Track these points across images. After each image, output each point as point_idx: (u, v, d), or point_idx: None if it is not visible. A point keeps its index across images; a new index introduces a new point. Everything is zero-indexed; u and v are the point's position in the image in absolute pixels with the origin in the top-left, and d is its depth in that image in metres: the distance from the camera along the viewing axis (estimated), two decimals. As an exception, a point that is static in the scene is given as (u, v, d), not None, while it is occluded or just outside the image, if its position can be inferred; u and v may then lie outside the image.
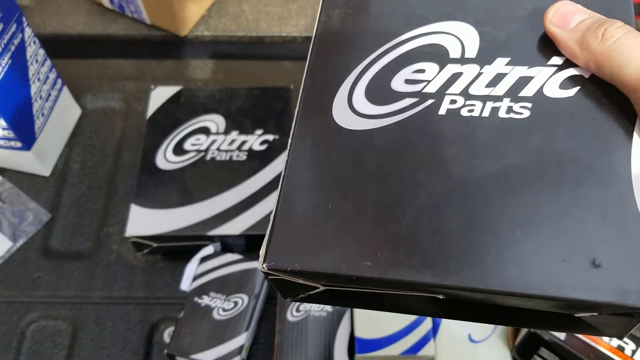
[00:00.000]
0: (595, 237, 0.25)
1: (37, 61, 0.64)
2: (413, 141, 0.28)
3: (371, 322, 0.54)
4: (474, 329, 0.55)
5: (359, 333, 0.54)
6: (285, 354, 0.54)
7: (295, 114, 0.30)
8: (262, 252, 0.27)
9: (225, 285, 0.58)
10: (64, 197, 0.69)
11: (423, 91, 0.30)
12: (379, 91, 0.30)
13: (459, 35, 0.31)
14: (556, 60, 0.29)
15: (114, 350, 0.59)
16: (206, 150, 0.65)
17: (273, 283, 0.28)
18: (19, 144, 0.64)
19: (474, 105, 0.29)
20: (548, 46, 0.30)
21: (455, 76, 0.30)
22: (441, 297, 0.26)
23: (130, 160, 0.71)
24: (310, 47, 0.32)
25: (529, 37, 0.30)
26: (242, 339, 0.55)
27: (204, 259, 0.60)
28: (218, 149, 0.65)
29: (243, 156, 0.65)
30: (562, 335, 0.51)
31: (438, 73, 0.30)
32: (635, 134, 0.27)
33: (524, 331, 0.53)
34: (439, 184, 0.27)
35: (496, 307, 0.26)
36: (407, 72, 0.31)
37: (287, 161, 0.29)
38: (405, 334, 0.54)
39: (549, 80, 0.29)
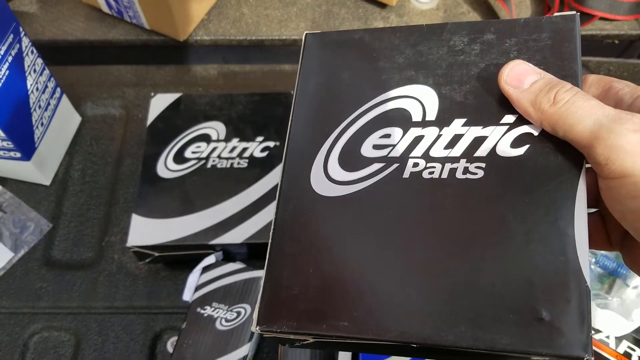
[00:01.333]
0: (540, 294, 0.27)
1: (35, 71, 0.63)
2: (381, 205, 0.31)
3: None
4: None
5: (363, 343, 0.54)
6: (288, 364, 0.53)
7: (279, 181, 0.33)
8: (255, 315, 0.30)
9: (228, 295, 0.57)
10: (65, 206, 0.68)
11: (389, 156, 0.32)
12: (351, 158, 0.32)
13: (421, 98, 0.33)
14: (508, 118, 0.31)
15: (117, 361, 0.59)
16: (207, 158, 0.65)
17: (270, 337, 0.30)
18: (18, 154, 0.64)
19: (434, 167, 0.31)
20: (501, 105, 0.31)
21: (418, 139, 0.32)
22: (414, 345, 0.28)
23: (130, 168, 0.70)
24: (290, 115, 0.34)
25: (483, 96, 0.32)
26: (245, 350, 0.54)
27: (205, 269, 0.59)
28: (219, 157, 0.65)
29: (244, 163, 0.64)
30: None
31: (402, 137, 0.32)
32: (578, 192, 0.28)
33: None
34: (399, 246, 0.29)
35: (461, 352, 0.28)
36: (374, 138, 0.33)
37: (273, 229, 0.32)
38: (410, 343, 0.53)
39: (501, 140, 0.30)
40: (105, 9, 0.79)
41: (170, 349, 0.59)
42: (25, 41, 0.61)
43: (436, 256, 0.29)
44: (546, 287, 0.27)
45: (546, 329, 0.26)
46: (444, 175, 0.30)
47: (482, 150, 0.30)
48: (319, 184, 0.32)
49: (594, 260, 0.57)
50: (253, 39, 0.79)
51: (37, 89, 0.64)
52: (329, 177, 0.32)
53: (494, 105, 0.31)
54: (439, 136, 0.31)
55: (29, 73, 0.62)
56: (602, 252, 0.58)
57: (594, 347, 0.51)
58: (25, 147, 0.64)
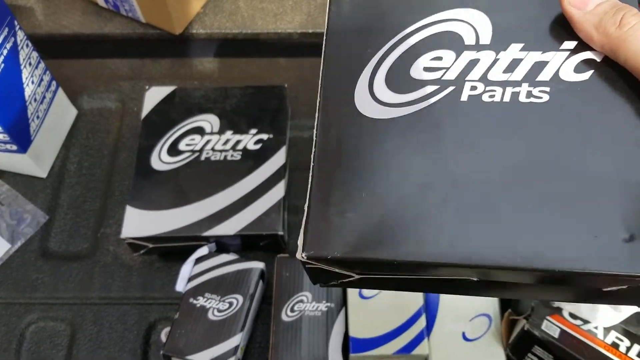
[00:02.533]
0: (623, 213, 0.26)
1: (30, 64, 0.64)
2: (439, 128, 0.29)
3: (365, 322, 0.55)
4: (467, 328, 0.55)
5: (354, 332, 0.54)
6: (280, 354, 0.54)
7: (317, 104, 0.30)
8: (299, 241, 0.27)
9: (220, 286, 0.58)
10: (61, 199, 0.69)
11: (443, 78, 0.30)
12: (400, 79, 0.30)
13: (472, 22, 0.32)
14: (568, 44, 0.30)
15: (112, 350, 0.60)
16: (201, 151, 0.65)
17: (308, 271, 0.28)
18: (14, 147, 0.64)
19: (494, 91, 0.30)
20: (559, 30, 0.30)
21: (473, 63, 0.30)
22: (475, 279, 0.26)
23: (126, 160, 0.71)
24: (324, 38, 0.32)
25: (539, 21, 0.31)
26: (237, 340, 0.55)
27: (198, 260, 0.60)
28: (212, 149, 0.65)
29: (237, 156, 0.65)
30: (555, 334, 0.52)
31: (455, 60, 0.31)
32: None
33: (517, 329, 0.53)
34: (467, 169, 0.28)
35: (528, 284, 0.27)
36: (425, 60, 0.31)
37: (314, 153, 0.29)
38: (399, 333, 0.54)
39: (564, 64, 0.30)
40: (101, 2, 0.79)
41: (164, 338, 0.60)
42: (20, 35, 0.62)
43: (506, 180, 0.27)
44: (630, 207, 0.26)
45: (633, 248, 0.25)
46: (506, 98, 0.29)
47: (545, 75, 0.30)
48: (366, 106, 0.30)
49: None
50: (248, 32, 0.80)
51: (32, 82, 0.65)
52: (375, 99, 0.30)
53: (552, 30, 0.30)
54: (496, 60, 0.30)
55: (25, 66, 0.63)
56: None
57: (582, 338, 0.52)
58: (21, 139, 0.64)
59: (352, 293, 0.56)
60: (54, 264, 0.65)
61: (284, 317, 0.56)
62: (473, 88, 0.30)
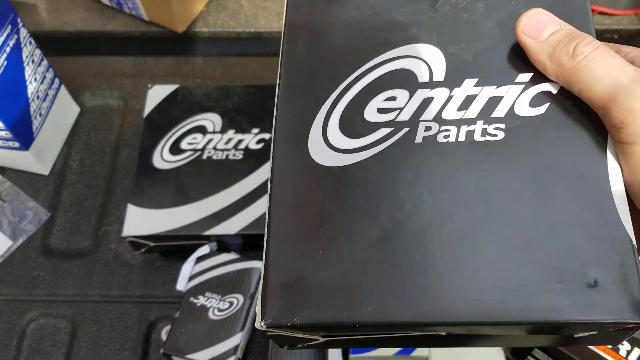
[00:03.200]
0: (586, 257, 0.25)
1: (33, 61, 0.64)
2: (394, 173, 0.28)
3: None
4: (467, 329, 0.55)
5: (353, 333, 0.54)
6: (280, 354, 0.54)
7: (272, 153, 0.29)
8: (257, 309, 0.26)
9: (221, 285, 0.58)
10: (63, 196, 0.69)
11: (397, 120, 0.29)
12: (353, 123, 0.29)
13: (425, 58, 0.30)
14: (523, 77, 0.29)
15: (112, 348, 0.60)
16: (202, 150, 0.65)
17: (271, 338, 0.27)
18: (17, 144, 0.64)
19: (449, 130, 0.28)
20: (514, 63, 0.29)
21: (427, 101, 0.29)
22: (444, 333, 0.25)
23: (128, 158, 0.71)
24: (277, 83, 0.31)
25: (493, 54, 0.30)
26: (237, 339, 0.55)
27: (199, 259, 0.60)
28: (214, 148, 0.65)
29: (239, 155, 0.65)
30: (555, 336, 0.51)
31: (409, 99, 0.29)
32: (608, 150, 0.27)
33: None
34: (425, 217, 0.26)
35: (498, 335, 0.26)
36: (378, 101, 0.30)
37: (269, 207, 0.28)
38: (399, 334, 0.54)
39: (519, 98, 0.29)
40: (104, 0, 0.79)
41: (164, 337, 0.60)
42: (24, 32, 0.62)
43: (466, 226, 0.26)
44: (593, 250, 0.25)
45: (599, 294, 0.24)
46: (461, 138, 0.28)
47: (500, 111, 0.28)
48: (320, 154, 0.29)
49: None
50: (251, 31, 0.80)
51: (35, 79, 0.65)
52: (330, 146, 0.29)
53: (507, 63, 0.29)
54: (450, 97, 0.29)
55: (27, 63, 0.63)
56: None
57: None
58: (24, 136, 0.64)
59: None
60: (55, 262, 0.65)
61: (284, 317, 0.56)
62: (427, 128, 0.29)
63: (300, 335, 0.26)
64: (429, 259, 0.26)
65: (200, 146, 0.66)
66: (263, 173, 0.64)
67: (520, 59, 0.29)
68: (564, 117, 0.28)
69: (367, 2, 0.32)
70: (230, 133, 0.66)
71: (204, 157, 0.65)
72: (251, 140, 0.66)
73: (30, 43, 0.63)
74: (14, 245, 0.66)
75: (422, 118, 0.29)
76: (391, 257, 0.26)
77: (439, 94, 0.29)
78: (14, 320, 0.62)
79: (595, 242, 0.25)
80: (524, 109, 0.28)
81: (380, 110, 0.29)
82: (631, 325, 0.24)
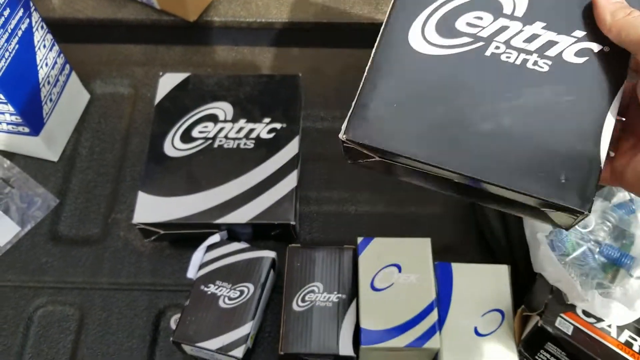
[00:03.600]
0: (566, 164, 0.36)
1: (44, 46, 0.64)
2: (463, 71, 0.39)
3: (377, 314, 0.54)
4: (480, 323, 0.55)
5: (365, 324, 0.54)
6: (290, 343, 0.54)
7: (378, 37, 0.40)
8: (343, 126, 0.38)
9: (232, 274, 0.58)
10: (73, 183, 0.69)
11: (477, 34, 0.40)
12: (446, 27, 0.40)
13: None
14: (578, 33, 0.39)
15: (120, 336, 0.60)
16: (214, 138, 0.65)
17: (344, 148, 0.39)
18: (26, 130, 0.64)
19: (511, 54, 0.39)
20: (576, 21, 0.39)
21: (503, 28, 0.40)
22: (456, 180, 0.37)
23: (138, 146, 0.71)
24: None
25: (567, 8, 0.40)
26: (247, 328, 0.55)
27: (210, 247, 0.60)
28: (226, 137, 0.65)
29: (250, 144, 0.64)
30: (569, 331, 0.51)
31: (491, 23, 0.40)
32: (615, 98, 0.38)
33: (531, 326, 0.52)
34: (473, 107, 0.38)
35: (496, 196, 0.38)
36: (469, 17, 0.40)
37: (369, 66, 0.39)
38: (411, 326, 0.54)
39: (568, 48, 0.39)
40: (116, -13, 0.79)
41: (173, 325, 0.60)
42: (35, 16, 0.62)
43: (495, 118, 0.38)
44: (573, 161, 0.36)
45: (565, 188, 0.36)
46: (518, 62, 0.39)
47: (552, 52, 0.39)
48: (416, 43, 0.40)
49: (597, 250, 0.57)
50: (263, 21, 0.79)
51: (46, 64, 0.64)
52: (425, 39, 0.40)
53: (571, 20, 0.40)
54: (520, 31, 0.40)
55: (39, 48, 0.63)
56: (606, 241, 0.58)
57: (595, 336, 0.52)
58: (34, 122, 0.64)
59: (363, 285, 0.56)
60: (64, 248, 0.65)
61: (294, 307, 0.55)
62: (497, 47, 0.39)
63: (364, 152, 0.38)
64: (461, 133, 0.37)
65: (211, 135, 0.65)
66: (274, 162, 0.63)
67: (581, 19, 0.39)
68: (594, 70, 0.38)
69: None
70: (242, 122, 0.66)
71: (215, 145, 0.64)
72: (262, 129, 0.65)
73: (42, 27, 0.63)
74: (22, 232, 0.65)
75: (495, 39, 0.40)
76: (438, 126, 0.38)
77: (514, 26, 0.40)
78: (22, 307, 0.61)
79: (576, 156, 0.37)
80: (569, 56, 0.39)
81: (469, 24, 0.40)
82: (579, 212, 0.36)
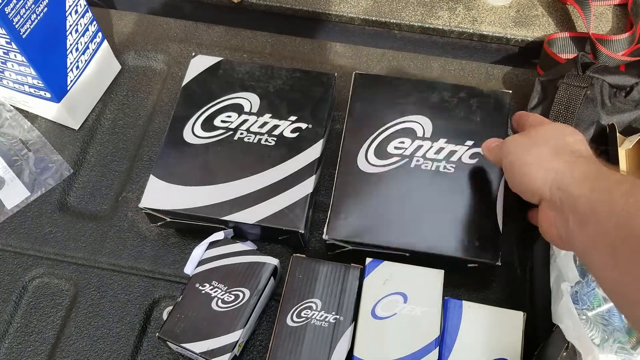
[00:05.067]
0: (476, 230, 0.56)
1: (76, 12, 0.62)
2: (398, 181, 0.59)
3: (373, 343, 0.51)
4: (482, 370, 0.51)
5: (359, 353, 0.50)
6: (278, 359, 0.51)
7: (338, 163, 0.60)
8: (325, 229, 0.56)
9: (229, 276, 0.55)
10: (90, 154, 0.67)
11: (403, 154, 0.60)
12: (381, 152, 0.60)
13: (422, 123, 0.61)
14: (469, 142, 0.60)
15: (110, 320, 0.58)
16: (235, 130, 0.62)
17: (326, 245, 0.58)
18: (48, 95, 0.62)
19: (428, 163, 0.59)
20: (466, 135, 0.60)
21: (419, 147, 0.60)
22: (407, 254, 0.56)
23: (160, 126, 0.68)
24: (344, 124, 0.62)
25: (456, 127, 0.61)
26: (236, 335, 0.52)
27: (212, 244, 0.57)
28: (248, 130, 0.62)
29: (272, 141, 0.61)
30: None
31: (410, 144, 0.60)
32: (500, 185, 0.58)
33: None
34: (405, 205, 0.57)
35: (430, 258, 0.55)
36: (395, 142, 0.61)
37: (335, 186, 0.58)
38: (408, 362, 0.50)
39: (465, 153, 0.60)
40: (163, -42, 0.77)
41: (165, 317, 0.58)
42: (70, -20, 0.60)
43: (427, 208, 0.57)
44: (479, 227, 0.56)
45: (479, 248, 0.55)
46: (433, 168, 0.59)
47: (454, 157, 0.60)
48: (362, 165, 0.59)
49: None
50: (309, 10, 0.75)
51: (76, 30, 0.62)
52: (368, 162, 0.60)
53: (462, 134, 0.61)
54: (431, 146, 0.60)
55: (70, 14, 0.61)
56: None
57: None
58: (56, 88, 0.62)
59: (364, 310, 0.52)
60: (69, 220, 0.63)
61: (289, 322, 0.53)
62: (417, 160, 0.59)
63: (340, 244, 0.57)
64: (404, 223, 0.56)
65: (233, 126, 0.62)
66: (293, 164, 0.60)
67: (470, 133, 0.60)
68: (485, 166, 0.59)
69: (397, 87, 0.64)
70: (267, 117, 0.63)
71: (236, 137, 0.62)
72: (287, 127, 0.62)
73: (76, -7, 0.61)
74: (31, 197, 0.64)
75: (415, 155, 0.60)
76: (387, 220, 0.57)
77: (426, 144, 0.60)
78: (18, 275, 0.60)
79: (481, 223, 0.56)
80: (466, 159, 0.59)
81: (396, 147, 0.60)
82: (490, 264, 0.55)
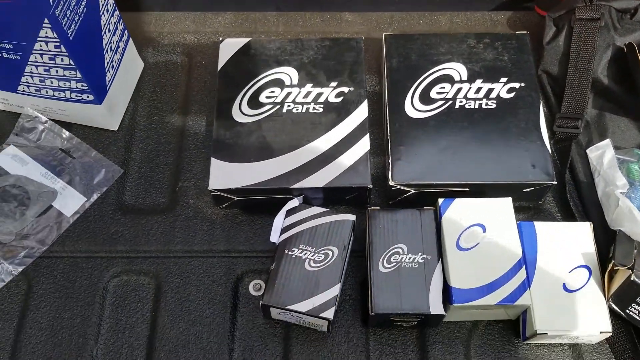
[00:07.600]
0: (530, 154, 0.61)
1: (108, 11, 0.62)
2: (445, 120, 0.64)
3: (465, 273, 0.54)
4: (567, 279, 0.55)
5: (455, 283, 0.54)
6: (381, 304, 0.54)
7: (384, 111, 0.65)
8: (389, 175, 0.60)
9: (314, 238, 0.57)
10: (134, 152, 0.67)
11: (446, 97, 0.65)
12: (426, 98, 0.65)
13: (457, 69, 0.66)
14: (503, 79, 0.66)
15: (200, 302, 0.59)
16: (282, 103, 0.64)
17: (390, 191, 0.61)
18: (91, 97, 0.62)
19: (470, 102, 0.65)
20: (501, 72, 0.66)
21: (460, 89, 0.65)
22: (467, 189, 0.61)
23: (198, 114, 0.70)
24: (385, 80, 0.67)
25: (491, 68, 0.66)
26: (336, 290, 0.55)
27: (289, 212, 0.59)
28: (294, 102, 0.64)
29: (319, 109, 0.64)
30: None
31: (451, 88, 0.66)
32: (540, 110, 0.64)
33: (622, 280, 0.53)
34: (460, 138, 0.63)
35: (489, 188, 0.61)
36: (437, 88, 0.66)
37: (389, 134, 0.63)
38: (501, 284, 0.54)
39: (502, 89, 0.65)
40: (162, -47, 0.77)
41: (252, 291, 0.60)
42: (101, -21, 0.60)
43: (479, 143, 0.62)
44: (533, 151, 0.61)
45: (526, 173, 0.60)
46: (476, 106, 0.64)
47: (493, 94, 0.65)
48: (410, 111, 0.64)
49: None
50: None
51: (109, 29, 0.63)
52: (414, 107, 0.65)
53: (495, 73, 0.66)
54: (470, 87, 0.65)
55: (103, 12, 0.61)
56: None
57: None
58: (98, 89, 0.63)
59: (449, 245, 0.56)
60: (133, 217, 0.64)
61: (381, 269, 0.55)
62: (460, 101, 0.65)
63: (403, 188, 0.61)
64: (461, 158, 0.61)
65: (279, 99, 0.64)
66: (345, 126, 0.63)
67: (504, 70, 0.66)
68: (524, 97, 0.65)
69: (427, 42, 0.69)
70: (308, 87, 0.65)
71: (284, 110, 0.64)
72: (330, 93, 0.65)
73: (106, -9, 0.61)
74: (87, 202, 0.64)
75: (458, 97, 0.65)
76: (446, 156, 0.62)
77: (465, 86, 0.66)
78: (96, 277, 0.60)
79: (531, 148, 0.62)
80: (504, 93, 0.65)
81: (438, 93, 0.65)
82: (547, 184, 0.60)
